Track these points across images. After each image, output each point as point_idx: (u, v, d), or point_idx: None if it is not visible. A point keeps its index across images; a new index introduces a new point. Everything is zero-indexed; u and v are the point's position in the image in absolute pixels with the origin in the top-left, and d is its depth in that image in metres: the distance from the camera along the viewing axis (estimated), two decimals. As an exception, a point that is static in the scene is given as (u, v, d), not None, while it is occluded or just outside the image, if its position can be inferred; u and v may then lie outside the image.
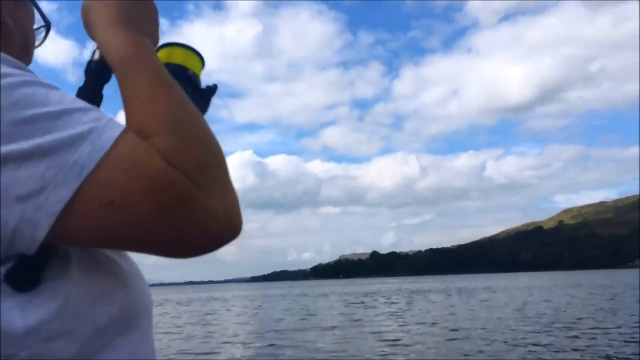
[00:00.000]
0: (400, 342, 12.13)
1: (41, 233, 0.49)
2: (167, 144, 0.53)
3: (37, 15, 0.80)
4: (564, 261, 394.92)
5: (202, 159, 0.54)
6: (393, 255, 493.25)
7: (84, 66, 0.72)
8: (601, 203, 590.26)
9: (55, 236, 0.50)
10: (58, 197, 0.49)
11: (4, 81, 0.51)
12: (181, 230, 0.52)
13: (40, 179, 0.48)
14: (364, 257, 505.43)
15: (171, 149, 0.53)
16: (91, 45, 0.69)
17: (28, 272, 0.51)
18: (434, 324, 16.39)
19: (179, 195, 0.51)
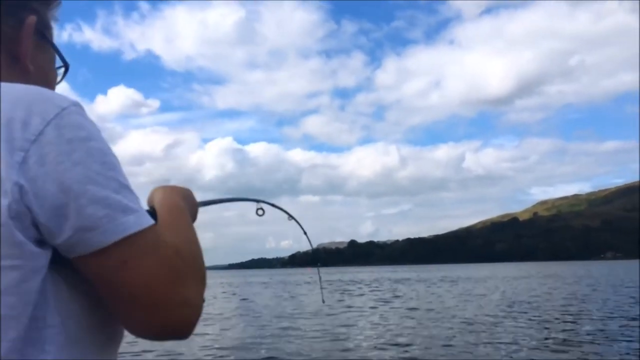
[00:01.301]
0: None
1: (73, 255, 0.66)
2: (179, 244, 0.75)
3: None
4: (538, 252, 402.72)
5: (194, 264, 0.76)
6: (371, 244, 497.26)
7: None
8: (575, 196, 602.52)
9: (79, 262, 0.67)
10: (99, 241, 0.65)
11: (102, 145, 0.70)
12: (168, 305, 0.70)
13: (97, 221, 0.65)
14: (341, 246, 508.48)
15: (178, 246, 0.74)
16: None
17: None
18: (429, 310, 16.76)
19: (179, 275, 0.71)
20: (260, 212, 1.19)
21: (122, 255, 0.67)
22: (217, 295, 29.54)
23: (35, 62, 0.83)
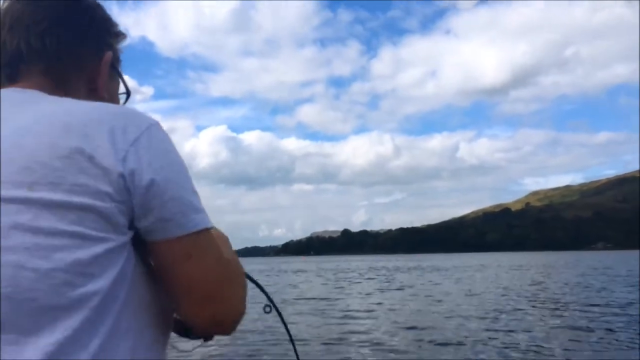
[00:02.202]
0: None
1: (149, 238, 0.79)
2: (230, 253, 0.88)
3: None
4: (529, 242, 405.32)
5: (241, 272, 0.91)
6: (364, 233, 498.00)
7: None
8: (567, 187, 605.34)
9: (152, 246, 0.80)
10: (172, 231, 0.78)
11: (178, 155, 0.83)
12: (224, 300, 0.85)
13: (174, 215, 0.78)
14: (335, 235, 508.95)
15: (230, 257, 0.88)
16: None
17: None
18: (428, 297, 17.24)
19: (232, 278, 0.86)
20: (267, 309, 1.17)
21: (187, 248, 0.79)
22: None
23: (108, 90, 0.96)
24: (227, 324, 0.87)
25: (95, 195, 0.72)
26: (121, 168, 0.74)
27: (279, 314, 1.19)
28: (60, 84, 0.88)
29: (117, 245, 0.75)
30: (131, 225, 0.78)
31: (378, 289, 21.67)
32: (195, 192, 0.82)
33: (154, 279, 0.82)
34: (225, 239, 0.92)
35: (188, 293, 0.82)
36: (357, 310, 14.00)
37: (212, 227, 0.83)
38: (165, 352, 0.86)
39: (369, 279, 30.79)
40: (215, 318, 0.85)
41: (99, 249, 0.72)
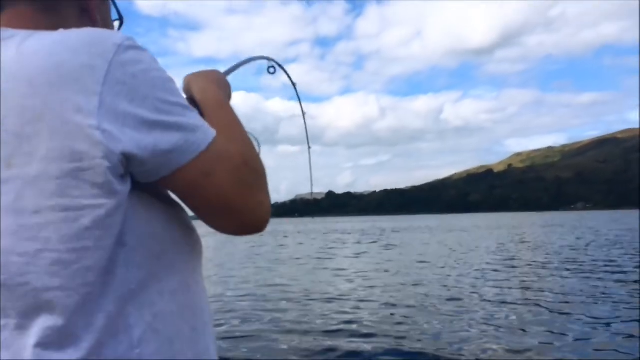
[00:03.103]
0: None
1: (157, 178, 0.73)
2: (243, 150, 0.81)
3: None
4: (511, 203, 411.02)
5: (262, 170, 0.83)
6: (348, 195, 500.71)
7: None
8: (549, 148, 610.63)
9: (161, 182, 0.74)
10: (178, 160, 0.72)
11: (162, 74, 0.75)
12: (244, 208, 0.79)
13: (175, 144, 0.71)
14: (319, 197, 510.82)
15: (245, 154, 0.80)
16: None
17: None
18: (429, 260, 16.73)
19: (249, 183, 0.78)
20: (272, 70, 1.23)
21: (198, 170, 0.74)
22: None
23: (100, 13, 0.90)
24: (259, 226, 0.83)
25: (72, 158, 0.65)
26: (95, 119, 0.66)
27: (283, 69, 1.20)
28: (47, 7, 0.82)
29: (111, 208, 0.68)
30: (126, 173, 0.71)
31: (362, 252, 21.09)
32: (186, 107, 0.76)
33: (168, 213, 0.79)
34: (229, 120, 0.87)
35: (212, 210, 0.79)
36: (345, 269, 13.52)
37: (213, 138, 0.77)
38: (199, 286, 0.84)
39: (344, 243, 30.26)
40: (245, 226, 0.82)
41: (86, 220, 0.67)
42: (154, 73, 0.73)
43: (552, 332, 6.56)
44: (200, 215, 0.80)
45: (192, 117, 0.75)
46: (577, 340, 6.21)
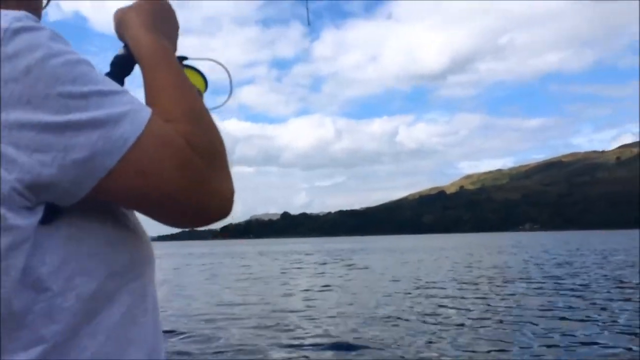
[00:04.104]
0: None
1: (83, 192, 0.59)
2: (187, 129, 0.65)
3: None
4: (462, 224, 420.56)
5: (214, 147, 0.67)
6: (304, 216, 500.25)
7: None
8: (498, 170, 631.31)
9: (92, 193, 0.59)
10: (104, 165, 0.58)
11: (66, 57, 0.58)
12: (195, 202, 0.64)
13: (92, 147, 0.57)
14: (274, 218, 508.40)
15: (190, 133, 0.64)
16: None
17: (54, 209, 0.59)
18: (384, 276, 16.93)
19: (196, 171, 0.63)
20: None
21: (131, 170, 0.60)
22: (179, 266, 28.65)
23: None
24: (217, 217, 0.68)
25: None
26: None
27: (222, 65, 1.11)
28: None
29: (5, 247, 0.55)
30: (35, 202, 0.57)
31: (314, 274, 21.22)
32: (104, 94, 0.60)
33: (107, 234, 0.65)
34: (172, 77, 0.71)
35: (160, 209, 0.65)
36: (306, 290, 13.58)
37: (146, 125, 0.61)
38: (147, 315, 0.69)
39: (299, 263, 30.36)
40: (201, 218, 0.67)
41: None
42: (54, 60, 0.57)
43: (505, 342, 7.03)
44: (148, 216, 0.67)
45: (114, 103, 0.60)
46: (522, 348, 6.69)
